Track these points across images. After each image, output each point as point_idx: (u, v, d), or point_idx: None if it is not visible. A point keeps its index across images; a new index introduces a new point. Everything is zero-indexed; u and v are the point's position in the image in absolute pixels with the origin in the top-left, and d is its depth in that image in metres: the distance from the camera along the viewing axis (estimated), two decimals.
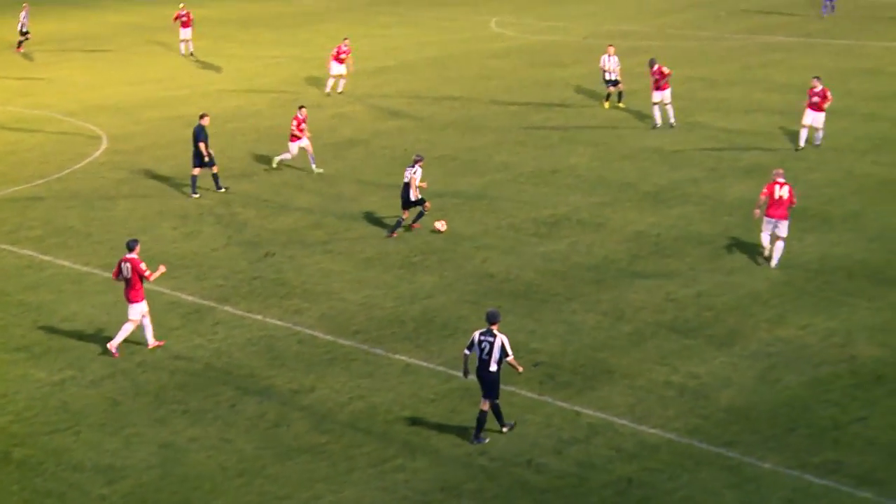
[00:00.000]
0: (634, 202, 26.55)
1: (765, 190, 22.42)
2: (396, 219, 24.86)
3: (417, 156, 24.89)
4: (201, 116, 27.76)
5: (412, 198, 24.40)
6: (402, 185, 24.61)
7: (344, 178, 29.21)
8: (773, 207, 22.22)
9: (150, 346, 19.24)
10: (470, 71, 42.34)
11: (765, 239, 22.53)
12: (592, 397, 17.38)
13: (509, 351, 16.13)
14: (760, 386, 17.60)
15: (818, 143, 30.33)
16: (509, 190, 27.74)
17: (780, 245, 22.30)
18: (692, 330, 19.62)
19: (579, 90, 38.41)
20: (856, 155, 29.45)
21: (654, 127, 32.34)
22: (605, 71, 35.52)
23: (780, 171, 22.73)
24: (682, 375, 17.98)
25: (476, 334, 16.25)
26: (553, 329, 19.71)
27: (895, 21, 49.53)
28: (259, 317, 20.58)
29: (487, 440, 16.23)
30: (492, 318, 16.22)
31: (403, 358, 18.88)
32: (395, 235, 24.51)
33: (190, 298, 21.22)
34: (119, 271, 19.05)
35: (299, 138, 29.08)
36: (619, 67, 35.49)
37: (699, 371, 18.10)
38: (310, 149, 29.26)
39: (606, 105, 35.59)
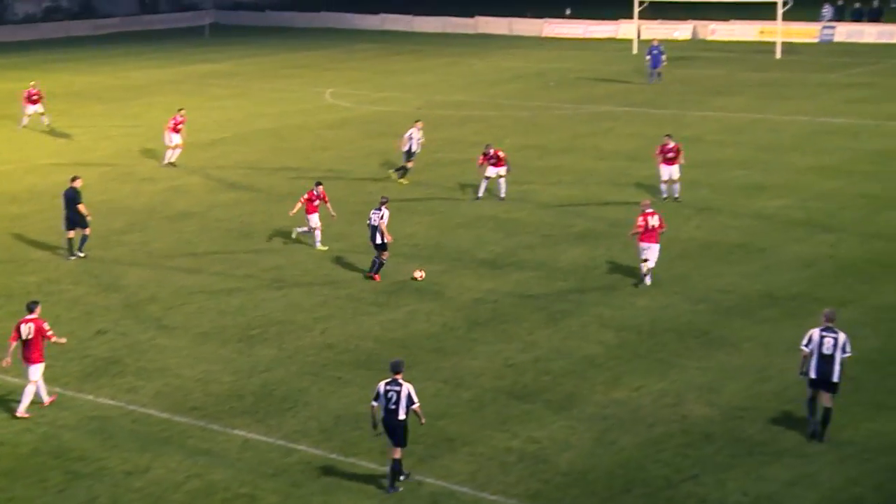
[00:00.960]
0: (471, 269, 26.86)
1: (640, 221, 24.97)
2: (373, 259, 25.85)
3: (383, 197, 26.12)
4: (73, 179, 28.25)
5: (378, 241, 25.46)
6: (368, 228, 25.73)
7: (178, 251, 28.76)
8: (647, 235, 25.05)
9: (46, 403, 19.52)
10: (306, 142, 42.40)
11: (642, 266, 25.20)
12: (434, 466, 17.38)
13: (415, 399, 16.49)
14: (597, 448, 17.90)
15: (677, 195, 31.97)
16: (348, 260, 27.72)
17: (650, 265, 25.21)
18: (531, 394, 19.86)
19: (415, 159, 38.78)
20: (680, 220, 30.46)
21: (477, 199, 32.72)
22: (408, 144, 35.14)
23: (647, 202, 25.62)
24: (521, 440, 18.15)
25: (381, 385, 16.54)
26: None
27: (714, 92, 51.70)
28: (90, 396, 19.98)
29: (402, 489, 16.36)
30: (396, 368, 16.68)
31: (242, 433, 18.56)
32: (377, 278, 25.65)
33: (14, 380, 20.45)
34: (18, 334, 19.14)
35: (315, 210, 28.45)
36: (420, 142, 35.48)
37: (539, 435, 18.31)
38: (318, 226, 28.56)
39: (404, 181, 35.35)
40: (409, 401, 16.43)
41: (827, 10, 70.68)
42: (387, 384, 16.53)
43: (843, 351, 17.66)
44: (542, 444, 18.04)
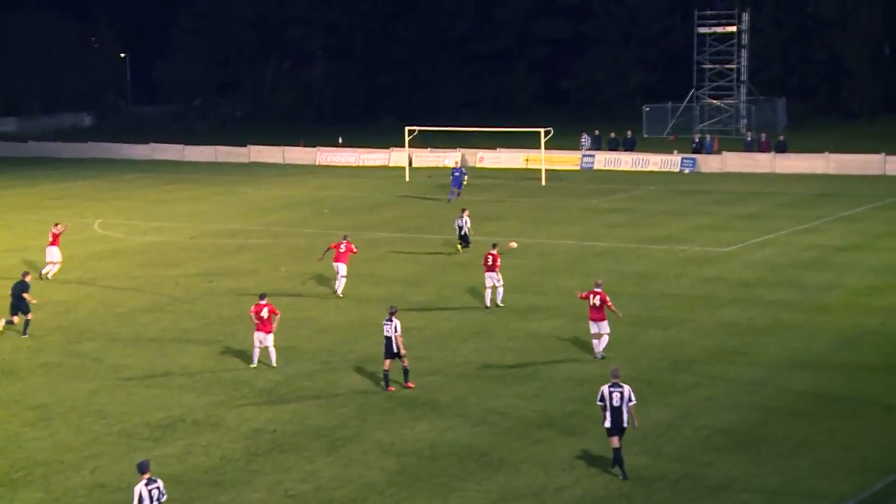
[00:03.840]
0: (250, 399, 26.39)
1: (582, 294, 28.92)
2: (384, 372, 26.65)
3: (392, 307, 26.96)
4: (24, 274, 33.21)
5: (395, 351, 26.34)
6: (384, 339, 26.55)
7: None
8: (593, 312, 28.38)
9: None
10: (74, 274, 41.06)
11: (594, 342, 28.54)
12: None
13: None
14: None
15: (500, 301, 34.50)
16: (120, 394, 26.80)
17: (604, 340, 28.50)
18: None
19: (189, 290, 38.16)
20: (457, 342, 30.92)
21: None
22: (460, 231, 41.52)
23: (599, 281, 29.09)
24: None
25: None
26: None
27: (484, 217, 53.14)
28: None
29: None
30: (142, 468, 16.99)
31: None
32: (391, 389, 26.45)
33: None
34: None
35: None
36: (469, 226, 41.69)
37: None
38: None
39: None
40: None
41: (586, 140, 74.13)
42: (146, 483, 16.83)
43: (630, 401, 21.16)
44: None
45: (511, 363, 28.97)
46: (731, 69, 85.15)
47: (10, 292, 32.83)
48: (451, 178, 58.60)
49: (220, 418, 25.02)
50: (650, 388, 26.63)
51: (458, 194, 57.59)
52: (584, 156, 71.93)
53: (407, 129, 68.69)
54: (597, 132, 75.55)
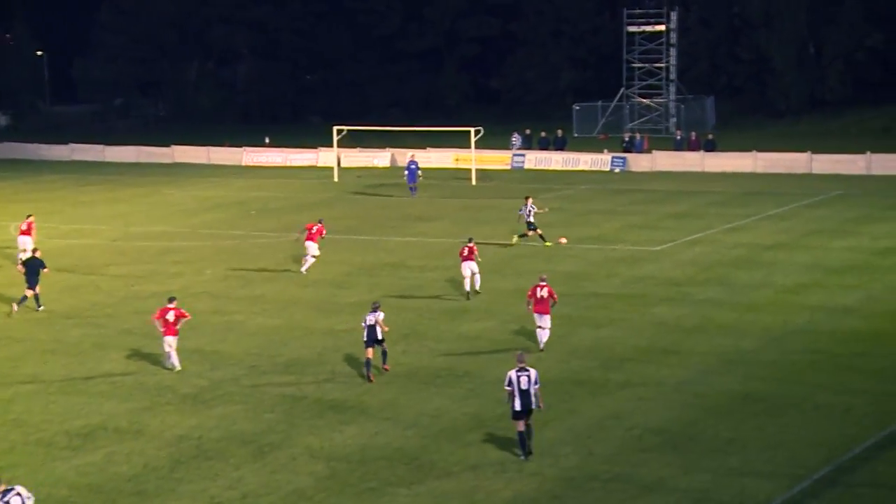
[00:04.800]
0: (175, 405, 26.08)
1: (529, 291, 29.45)
2: (366, 360, 27.74)
3: (376, 303, 28.41)
4: (34, 250, 36.85)
5: (379, 337, 27.72)
6: (366, 328, 27.63)
7: None
8: (538, 305, 29.25)
9: None
10: None
11: (538, 332, 29.32)
12: None
13: None
14: None
15: (478, 287, 36.04)
16: (38, 401, 26.32)
17: (545, 333, 29.40)
18: None
19: (110, 294, 37.65)
20: (388, 344, 30.75)
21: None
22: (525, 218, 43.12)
23: (545, 276, 30.03)
24: None
25: None
26: None
27: (414, 217, 53.11)
28: None
29: None
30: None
31: None
32: (373, 379, 27.43)
33: None
34: None
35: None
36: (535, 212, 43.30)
37: None
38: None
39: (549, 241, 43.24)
40: None
41: (516, 139, 74.40)
42: None
43: (536, 383, 22.22)
44: None
45: (441, 365, 28.94)
46: (660, 68, 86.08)
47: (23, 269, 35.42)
48: (407, 171, 59.68)
49: (142, 425, 24.70)
50: (581, 388, 26.76)
51: (415, 189, 58.78)
52: (515, 155, 72.19)
53: (335, 128, 68.43)
54: (527, 131, 75.87)
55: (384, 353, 28.29)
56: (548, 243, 43.48)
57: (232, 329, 32.86)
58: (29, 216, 42.87)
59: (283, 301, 36.29)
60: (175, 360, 28.64)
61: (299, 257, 41.51)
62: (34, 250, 36.95)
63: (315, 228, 39.93)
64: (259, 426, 24.63)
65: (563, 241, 42.19)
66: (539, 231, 43.70)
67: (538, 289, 29.54)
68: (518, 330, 32.01)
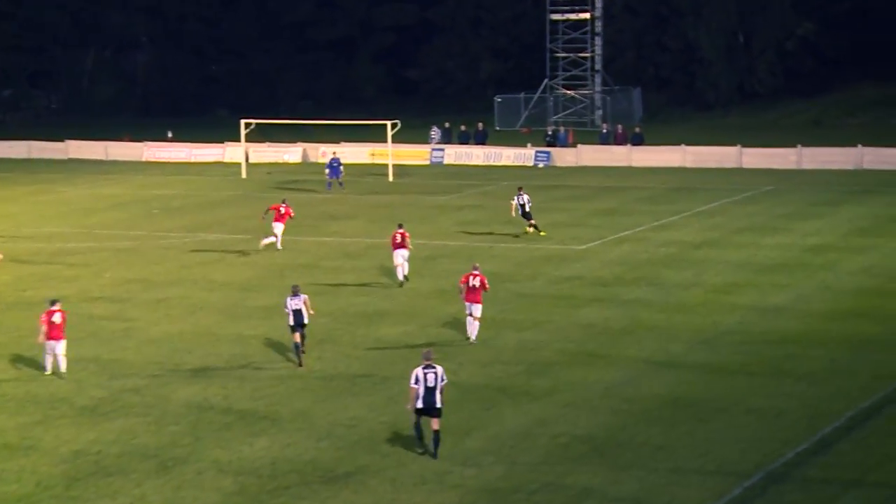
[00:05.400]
0: (70, 418, 25.73)
1: (462, 279, 30.83)
2: (294, 344, 29.42)
3: (296, 286, 30.16)
4: None
5: (305, 321, 29.44)
6: (291, 312, 29.28)
7: None
8: (469, 293, 30.53)
9: None
10: None
11: (468, 322, 30.75)
12: None
13: None
14: None
15: (405, 274, 37.77)
16: None
17: (476, 324, 30.71)
18: None
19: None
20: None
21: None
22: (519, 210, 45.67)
23: (477, 264, 31.61)
24: None
25: None
26: None
27: (327, 216, 53.00)
28: None
29: None
30: None
31: None
32: (302, 365, 29.05)
33: None
34: None
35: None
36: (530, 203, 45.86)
37: None
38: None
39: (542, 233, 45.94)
40: None
41: (435, 133, 74.54)
42: None
43: (442, 380, 22.95)
44: None
45: (357, 372, 28.91)
46: (584, 58, 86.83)
47: None
48: (328, 168, 60.35)
49: (35, 440, 24.32)
50: (505, 395, 26.89)
51: (341, 184, 59.57)
52: (434, 150, 72.34)
53: (243, 121, 68.01)
54: (447, 125, 76.08)
55: (303, 337, 29.66)
56: (543, 233, 46.06)
57: (133, 336, 32.51)
58: None
59: (187, 305, 35.97)
60: (62, 366, 28.29)
61: (208, 260, 41.16)
62: None
63: (283, 209, 43.56)
64: (162, 439, 24.39)
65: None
66: (534, 221, 46.12)
67: (471, 277, 30.74)
68: (438, 333, 32.07)
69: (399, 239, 37.68)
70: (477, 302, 30.66)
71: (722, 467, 22.44)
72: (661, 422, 25.00)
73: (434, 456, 22.83)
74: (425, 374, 22.94)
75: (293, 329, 29.44)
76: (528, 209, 46.04)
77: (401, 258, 37.68)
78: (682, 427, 24.66)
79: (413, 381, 22.96)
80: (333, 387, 27.87)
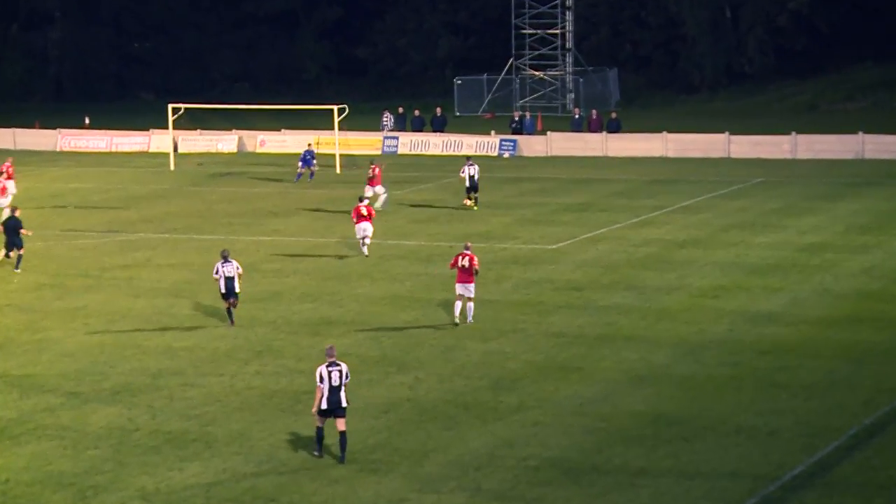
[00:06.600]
0: None
1: (452, 261, 33.20)
2: (227, 308, 32.80)
3: (225, 251, 33.40)
4: (14, 210, 42.34)
5: (237, 289, 32.55)
6: (223, 279, 32.29)
7: None
8: (461, 274, 32.59)
9: None
10: None
11: (457, 306, 32.91)
12: None
13: None
14: None
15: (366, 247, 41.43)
16: None
17: (470, 305, 32.95)
18: None
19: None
20: (237, 364, 30.59)
21: None
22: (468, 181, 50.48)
23: (468, 244, 33.51)
24: None
25: None
26: None
27: (266, 213, 52.87)
28: None
29: None
30: None
31: None
32: (232, 324, 32.81)
33: None
34: None
35: None
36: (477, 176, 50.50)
37: None
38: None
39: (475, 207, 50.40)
40: None
41: (388, 119, 74.53)
42: None
43: (347, 378, 23.94)
44: None
45: (301, 389, 28.83)
46: (554, 35, 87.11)
47: (2, 229, 40.65)
48: (301, 161, 60.75)
49: None
50: (467, 413, 26.93)
51: (312, 174, 60.52)
52: (386, 138, 72.37)
53: (171, 106, 67.69)
54: (401, 110, 76.15)
55: (235, 305, 32.56)
56: (475, 207, 50.66)
57: (46, 348, 32.32)
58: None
59: (108, 314, 35.79)
60: None
61: (132, 263, 40.85)
62: (14, 209, 42.33)
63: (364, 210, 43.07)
64: (80, 465, 24.27)
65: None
66: (477, 195, 50.90)
67: (461, 257, 32.71)
68: (393, 343, 32.08)
69: (365, 212, 41.10)
70: (469, 282, 32.68)
71: (709, 493, 22.56)
72: (641, 442, 25.11)
73: (341, 460, 23.66)
74: (330, 371, 23.79)
75: (225, 297, 31.94)
76: (476, 180, 50.66)
77: (362, 231, 41.23)
78: (665, 448, 24.77)
79: (318, 379, 23.87)
80: (275, 405, 27.81)
